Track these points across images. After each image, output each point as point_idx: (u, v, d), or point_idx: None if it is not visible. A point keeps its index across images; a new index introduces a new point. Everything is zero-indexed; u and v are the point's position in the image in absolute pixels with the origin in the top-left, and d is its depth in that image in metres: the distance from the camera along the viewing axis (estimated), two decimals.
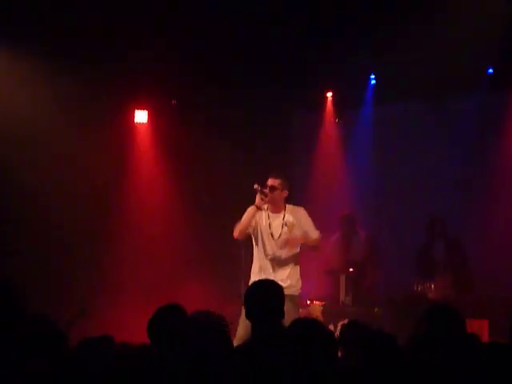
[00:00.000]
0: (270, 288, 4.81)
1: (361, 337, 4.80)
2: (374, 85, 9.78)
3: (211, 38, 8.53)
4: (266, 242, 7.08)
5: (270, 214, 7.12)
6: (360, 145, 10.37)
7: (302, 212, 7.15)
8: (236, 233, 7.06)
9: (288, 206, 7.15)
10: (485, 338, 7.55)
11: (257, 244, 7.14)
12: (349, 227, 9.46)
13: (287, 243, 6.99)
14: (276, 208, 7.10)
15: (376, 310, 8.33)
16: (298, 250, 7.10)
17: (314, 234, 7.08)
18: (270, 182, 7.05)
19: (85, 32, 8.18)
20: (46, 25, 8.02)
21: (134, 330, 5.26)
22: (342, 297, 8.58)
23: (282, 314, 4.68)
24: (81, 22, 8.06)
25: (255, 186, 6.96)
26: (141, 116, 9.82)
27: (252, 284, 4.93)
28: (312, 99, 10.11)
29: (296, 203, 7.21)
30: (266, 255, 7.06)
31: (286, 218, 7.08)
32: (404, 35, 8.28)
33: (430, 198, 9.88)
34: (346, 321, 8.13)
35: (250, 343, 4.39)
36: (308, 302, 8.68)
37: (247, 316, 4.70)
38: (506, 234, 9.24)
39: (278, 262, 7.02)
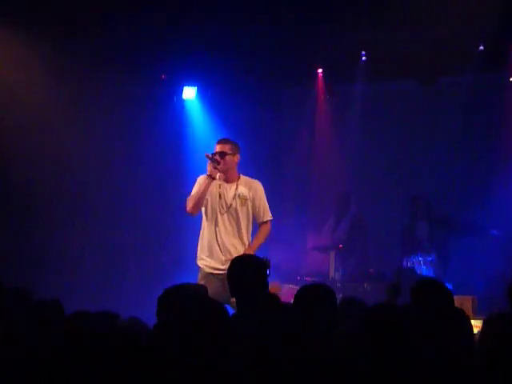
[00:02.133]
0: (252, 264, 4.82)
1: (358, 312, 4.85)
2: (364, 61, 9.73)
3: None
4: (217, 213, 6.60)
5: (223, 183, 6.64)
6: (351, 121, 10.38)
7: (257, 185, 6.70)
8: (189, 207, 6.51)
9: (242, 177, 6.70)
10: (471, 314, 7.64)
11: (206, 215, 6.63)
12: (342, 205, 9.51)
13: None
14: (229, 177, 6.64)
15: (366, 285, 8.39)
16: (250, 223, 6.66)
17: (266, 215, 6.66)
18: (219, 148, 6.57)
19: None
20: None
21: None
22: (331, 273, 8.62)
23: (266, 287, 4.72)
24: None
25: (206, 154, 6.53)
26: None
27: (233, 261, 4.88)
28: (302, 75, 10.10)
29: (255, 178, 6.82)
30: (216, 227, 6.58)
31: (239, 190, 6.61)
32: (394, 12, 8.27)
33: (419, 175, 9.94)
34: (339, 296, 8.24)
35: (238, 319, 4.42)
36: (298, 278, 8.74)
37: (232, 294, 4.74)
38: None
39: (226, 235, 6.57)
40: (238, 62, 9.23)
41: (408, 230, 9.12)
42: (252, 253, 6.36)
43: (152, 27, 8.40)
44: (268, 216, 6.66)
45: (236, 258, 5.05)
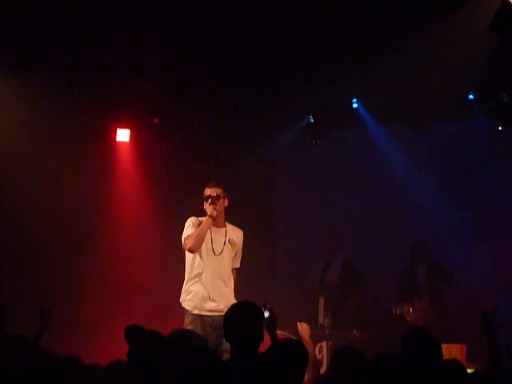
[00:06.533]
0: (250, 312, 4.79)
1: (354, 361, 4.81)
2: (355, 108, 9.77)
3: (194, 59, 8.55)
4: (205, 256, 6.74)
5: (213, 228, 6.76)
6: (341, 167, 10.41)
7: (241, 235, 6.93)
8: (190, 245, 6.60)
9: (228, 223, 6.89)
10: (462, 362, 7.56)
11: (194, 257, 6.75)
12: (329, 252, 9.44)
13: None
14: (218, 221, 6.79)
15: (355, 332, 8.31)
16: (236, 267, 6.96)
17: (239, 263, 6.94)
18: (213, 191, 6.72)
19: (66, 50, 8.21)
20: (24, 46, 8.06)
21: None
22: (320, 319, 8.54)
23: (261, 337, 4.68)
24: (62, 40, 8.11)
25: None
26: (123, 135, 9.70)
27: (232, 307, 4.86)
28: (293, 122, 10.13)
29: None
30: (204, 269, 6.72)
31: (228, 235, 6.81)
32: (385, 60, 8.35)
33: (413, 222, 9.92)
34: (324, 343, 8.16)
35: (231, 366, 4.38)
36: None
37: (227, 339, 4.69)
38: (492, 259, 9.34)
39: (214, 277, 6.73)
40: (231, 106, 9.30)
41: (406, 276, 9.05)
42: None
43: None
44: (239, 264, 6.96)
45: (234, 305, 4.99)
